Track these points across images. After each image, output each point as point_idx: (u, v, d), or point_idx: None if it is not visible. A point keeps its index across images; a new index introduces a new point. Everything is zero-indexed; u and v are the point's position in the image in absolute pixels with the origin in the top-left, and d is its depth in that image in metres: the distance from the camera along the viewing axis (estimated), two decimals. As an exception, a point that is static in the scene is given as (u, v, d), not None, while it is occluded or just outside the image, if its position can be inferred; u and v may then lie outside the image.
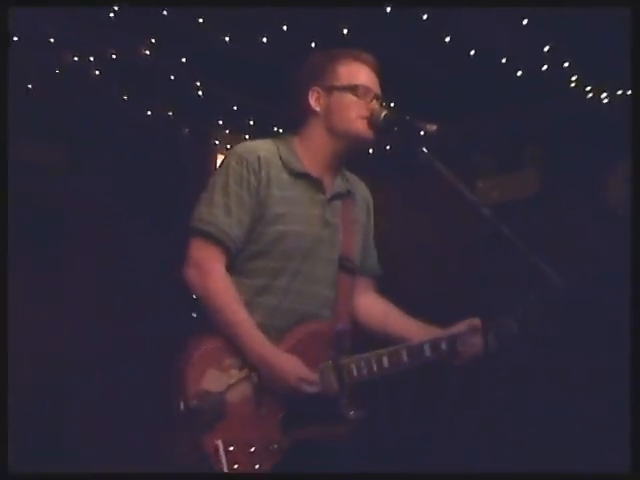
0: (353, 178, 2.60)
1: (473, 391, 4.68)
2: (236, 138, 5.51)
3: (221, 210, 2.32)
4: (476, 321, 2.34)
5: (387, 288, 2.69)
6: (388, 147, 4.83)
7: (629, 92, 4.36)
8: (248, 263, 2.35)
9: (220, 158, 5.68)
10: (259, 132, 5.46)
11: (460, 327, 2.37)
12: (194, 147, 5.64)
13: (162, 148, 5.62)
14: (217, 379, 2.21)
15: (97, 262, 5.70)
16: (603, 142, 4.51)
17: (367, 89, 2.41)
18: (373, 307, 2.59)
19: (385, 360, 2.30)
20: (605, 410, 4.42)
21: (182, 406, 2.18)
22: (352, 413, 2.26)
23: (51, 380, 5.36)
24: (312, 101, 2.43)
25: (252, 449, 2.17)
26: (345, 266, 2.45)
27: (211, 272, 2.29)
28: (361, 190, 2.62)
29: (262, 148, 2.41)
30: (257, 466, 2.16)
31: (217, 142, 5.68)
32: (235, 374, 2.23)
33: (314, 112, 2.43)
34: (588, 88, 4.48)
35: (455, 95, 4.58)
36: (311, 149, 2.44)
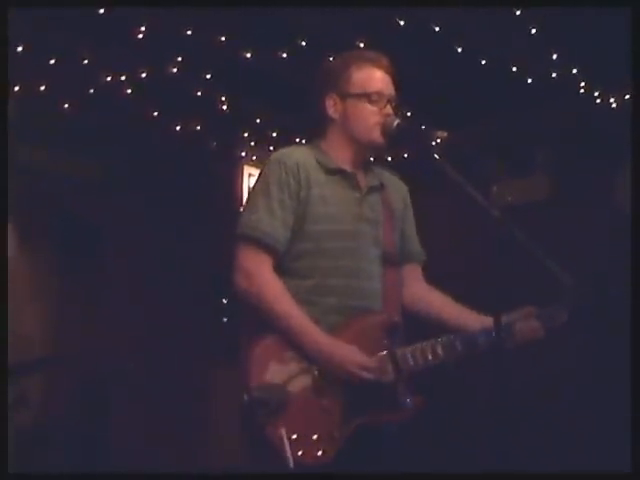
0: (384, 172, 2.65)
1: (472, 391, 4.73)
2: (261, 150, 5.71)
3: (265, 213, 2.38)
4: (529, 309, 2.44)
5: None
6: (405, 155, 4.97)
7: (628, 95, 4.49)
8: (296, 263, 2.41)
9: (247, 169, 5.88)
10: (282, 143, 5.64)
11: (513, 315, 2.41)
12: (221, 159, 5.82)
13: (191, 161, 5.79)
14: (278, 371, 2.27)
15: (130, 272, 5.88)
16: (611, 145, 4.59)
17: (380, 94, 2.48)
18: (426, 297, 2.63)
19: (440, 349, 2.35)
20: (606, 410, 4.44)
21: (246, 398, 2.22)
22: (409, 401, 2.33)
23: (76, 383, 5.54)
24: (329, 108, 2.51)
25: (315, 437, 2.23)
26: (388, 260, 2.51)
27: (260, 275, 2.35)
28: (394, 182, 2.67)
29: (298, 152, 2.51)
30: (320, 452, 2.23)
31: (243, 154, 5.87)
32: (295, 366, 2.29)
33: (332, 119, 2.52)
34: (597, 93, 4.62)
35: (468, 103, 4.73)
36: (336, 151, 2.51)
